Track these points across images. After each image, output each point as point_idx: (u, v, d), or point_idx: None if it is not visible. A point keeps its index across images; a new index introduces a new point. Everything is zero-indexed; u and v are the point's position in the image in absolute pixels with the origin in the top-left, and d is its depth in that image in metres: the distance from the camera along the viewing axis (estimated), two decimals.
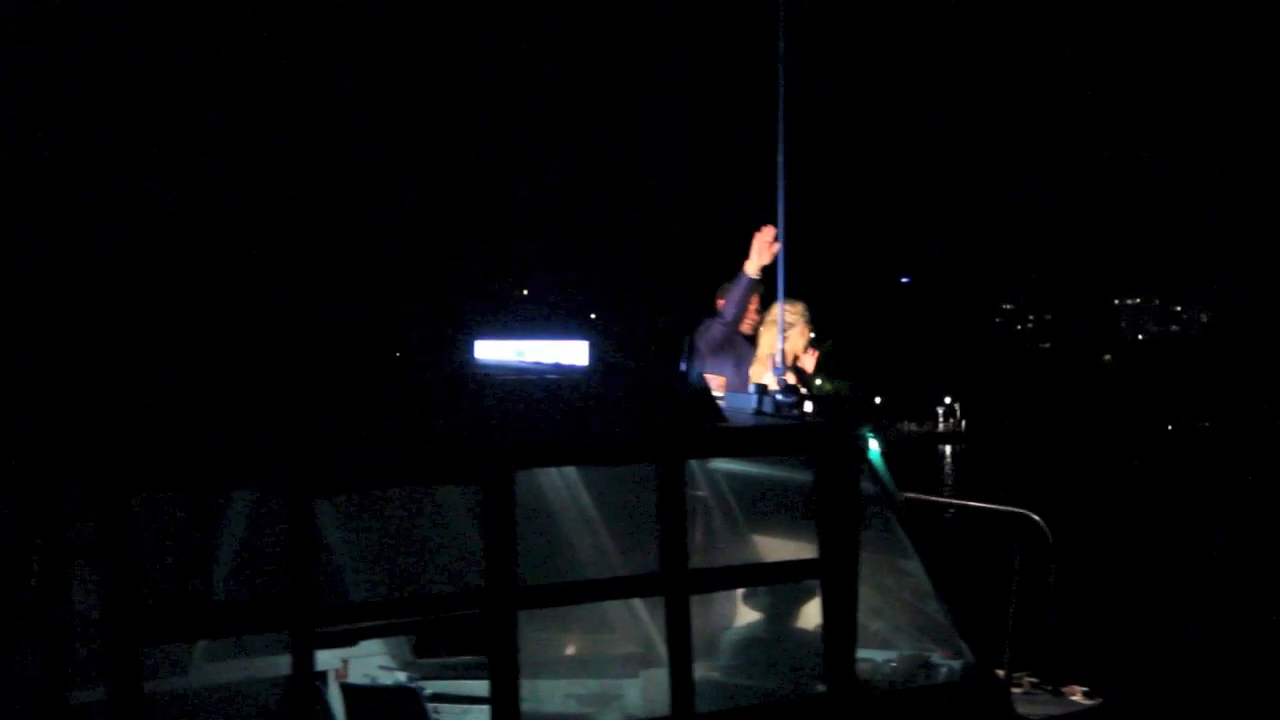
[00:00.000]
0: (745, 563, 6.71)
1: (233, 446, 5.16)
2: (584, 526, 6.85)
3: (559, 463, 6.28)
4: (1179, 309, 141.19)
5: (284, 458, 5.14)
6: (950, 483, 63.62)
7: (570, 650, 7.07)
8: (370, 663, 6.91)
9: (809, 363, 7.92)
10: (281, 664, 6.39)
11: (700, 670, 5.92)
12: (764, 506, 6.86)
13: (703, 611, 6.13)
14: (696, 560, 6.04)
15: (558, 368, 6.68)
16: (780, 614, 6.51)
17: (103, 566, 4.89)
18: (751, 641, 6.50)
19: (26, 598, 4.90)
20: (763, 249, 7.97)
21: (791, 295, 7.68)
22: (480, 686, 6.81)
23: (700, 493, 6.80)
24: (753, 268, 8.06)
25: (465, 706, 6.77)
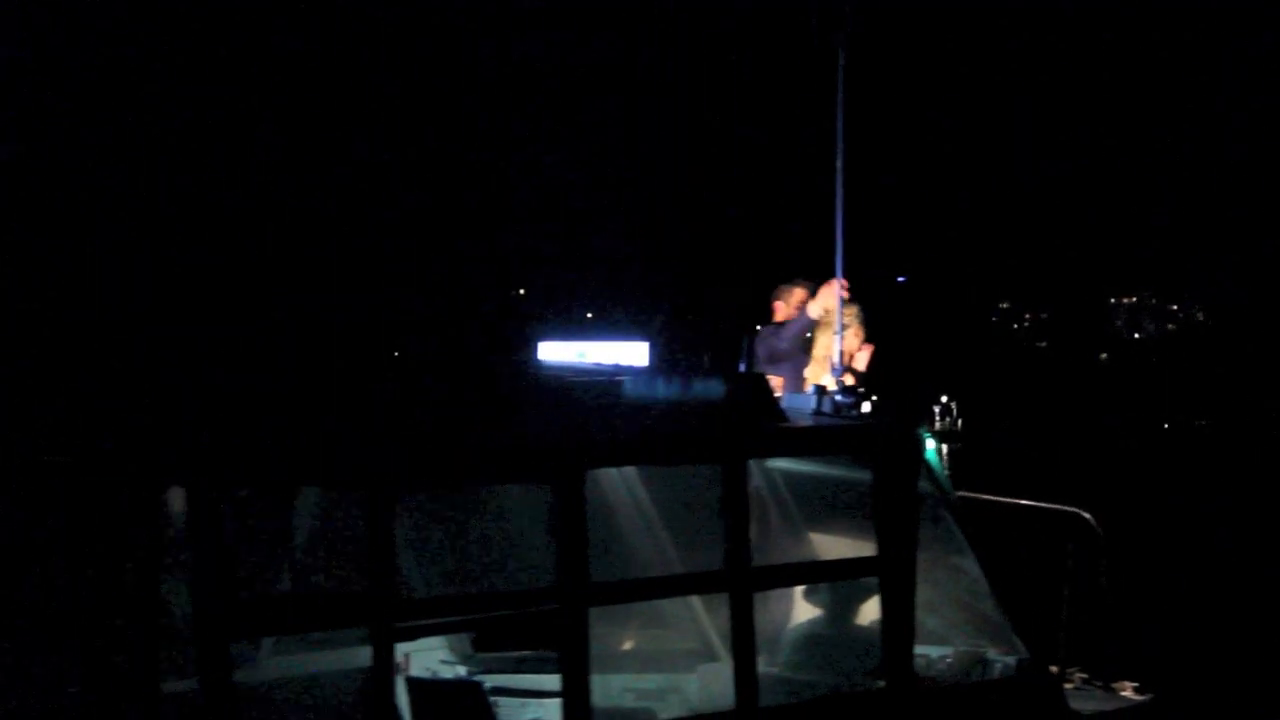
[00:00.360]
0: (802, 560, 6.84)
1: (317, 449, 5.29)
2: (641, 524, 6.98)
3: (627, 462, 6.40)
4: (1175, 308, 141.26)
5: (366, 459, 5.26)
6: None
7: (628, 645, 7.21)
8: (431, 656, 7.02)
9: (862, 362, 8.09)
10: (347, 657, 6.52)
11: (760, 665, 6.04)
12: (818, 504, 6.99)
13: (762, 608, 6.25)
14: (754, 558, 6.17)
15: (618, 369, 6.80)
16: (839, 610, 6.64)
17: (195, 564, 5.04)
18: (811, 637, 6.62)
19: (123, 595, 5.03)
20: (829, 295, 8.17)
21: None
22: (539, 680, 6.94)
23: (757, 490, 6.93)
24: (815, 310, 8.41)
25: (524, 700, 6.88)
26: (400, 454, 5.34)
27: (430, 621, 5.64)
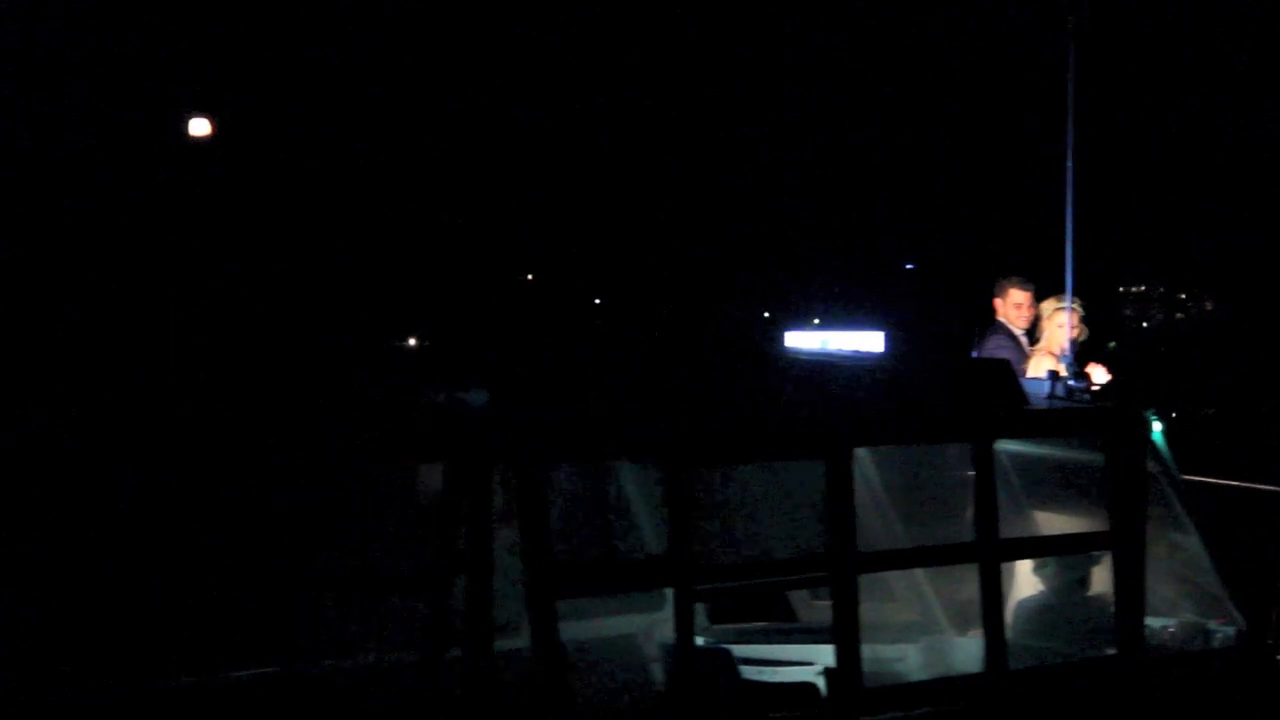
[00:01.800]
0: (1034, 535, 7.25)
1: (624, 428, 5.80)
2: (871, 502, 7.38)
3: (890, 440, 6.80)
4: (1184, 296, 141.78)
5: (666, 436, 5.70)
6: None
7: None
8: (671, 627, 7.42)
9: (1101, 376, 8.56)
10: (609, 625, 6.98)
11: None
12: (1038, 482, 7.39)
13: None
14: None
15: (856, 355, 7.23)
16: (1066, 583, 7.03)
17: (523, 532, 5.50)
18: (1043, 608, 7.02)
19: (460, 560, 5.45)
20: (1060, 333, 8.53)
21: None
22: (772, 650, 7.35)
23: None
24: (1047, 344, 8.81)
25: (759, 668, 7.26)
26: (695, 431, 5.77)
27: (726, 584, 6.13)
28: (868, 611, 7.58)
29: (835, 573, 6.06)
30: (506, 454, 5.46)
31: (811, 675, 6.68)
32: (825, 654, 7.00)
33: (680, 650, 5.77)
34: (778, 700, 6.87)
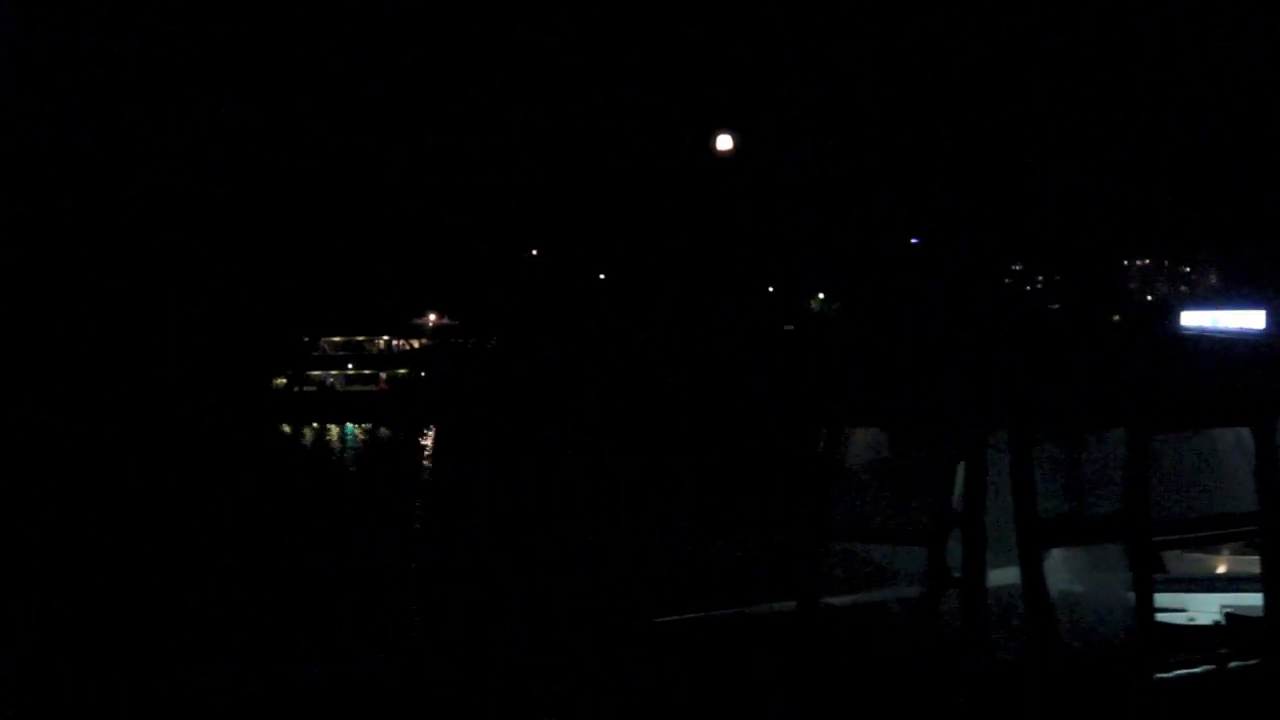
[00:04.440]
0: None
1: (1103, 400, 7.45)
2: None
3: None
4: (1188, 269, 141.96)
5: (1133, 403, 7.26)
6: None
7: (1220, 569, 8.96)
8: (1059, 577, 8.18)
9: None
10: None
11: None
12: None
13: None
14: None
15: (1242, 332, 8.55)
16: None
17: (1016, 491, 7.10)
18: None
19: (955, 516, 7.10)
20: None
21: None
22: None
23: None
24: None
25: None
26: (1154, 402, 7.37)
27: (1179, 537, 7.67)
28: (1234, 565, 8.91)
29: (1266, 528, 7.30)
30: (1002, 422, 6.87)
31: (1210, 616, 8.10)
32: (1194, 602, 8.34)
33: (1141, 602, 7.16)
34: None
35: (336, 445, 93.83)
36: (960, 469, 6.82)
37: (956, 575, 6.98)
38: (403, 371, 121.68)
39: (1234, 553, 8.90)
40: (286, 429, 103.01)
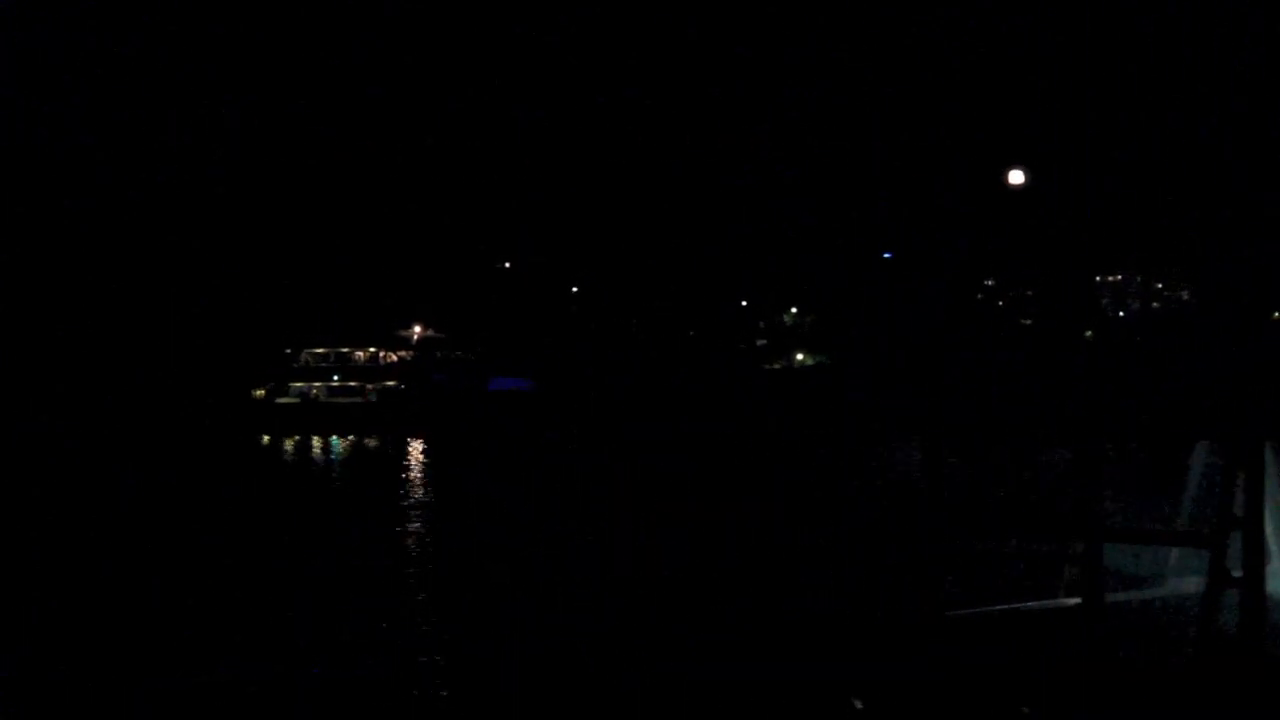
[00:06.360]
0: None
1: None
2: None
3: None
4: (1160, 285, 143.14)
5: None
6: None
7: None
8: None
9: None
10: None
11: None
12: None
13: None
14: None
15: None
16: None
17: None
18: None
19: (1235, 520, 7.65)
20: None
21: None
22: None
23: None
24: None
25: None
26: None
27: None
28: None
29: None
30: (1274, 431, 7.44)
31: None
32: None
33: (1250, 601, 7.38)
34: None
35: (319, 455, 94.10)
36: (1240, 476, 7.48)
37: (1236, 575, 7.60)
38: (390, 383, 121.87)
39: None
40: (265, 439, 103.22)
